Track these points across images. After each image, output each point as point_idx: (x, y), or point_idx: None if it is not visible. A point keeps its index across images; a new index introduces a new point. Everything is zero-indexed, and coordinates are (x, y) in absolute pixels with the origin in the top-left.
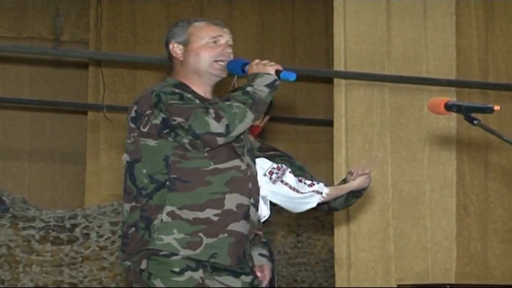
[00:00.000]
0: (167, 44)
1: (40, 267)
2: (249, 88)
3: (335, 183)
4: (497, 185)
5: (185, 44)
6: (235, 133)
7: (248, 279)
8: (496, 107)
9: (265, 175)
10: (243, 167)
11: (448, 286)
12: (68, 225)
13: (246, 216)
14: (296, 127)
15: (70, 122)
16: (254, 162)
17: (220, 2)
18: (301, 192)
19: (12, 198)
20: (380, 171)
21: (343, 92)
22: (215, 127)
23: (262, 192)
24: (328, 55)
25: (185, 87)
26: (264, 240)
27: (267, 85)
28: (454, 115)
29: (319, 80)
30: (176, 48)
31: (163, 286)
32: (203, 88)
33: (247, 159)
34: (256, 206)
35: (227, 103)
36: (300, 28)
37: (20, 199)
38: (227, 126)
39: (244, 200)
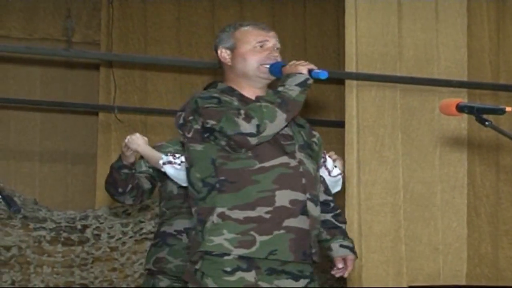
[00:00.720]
0: (216, 50)
1: (51, 268)
2: (280, 88)
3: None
4: (508, 187)
5: (232, 49)
6: (267, 132)
7: (304, 282)
8: (508, 109)
9: None
10: (293, 163)
11: None
12: (79, 226)
13: (304, 212)
14: None
15: (81, 123)
16: (312, 157)
17: (232, 3)
18: (333, 176)
19: (23, 199)
20: (391, 172)
21: (355, 93)
22: (245, 127)
23: None
24: (339, 56)
25: (231, 91)
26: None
27: (298, 84)
28: (465, 116)
29: (330, 81)
30: (224, 54)
31: (215, 285)
32: (253, 91)
33: (299, 155)
34: (314, 201)
35: (257, 103)
36: (311, 29)
37: (31, 200)
38: (258, 126)
39: (299, 196)
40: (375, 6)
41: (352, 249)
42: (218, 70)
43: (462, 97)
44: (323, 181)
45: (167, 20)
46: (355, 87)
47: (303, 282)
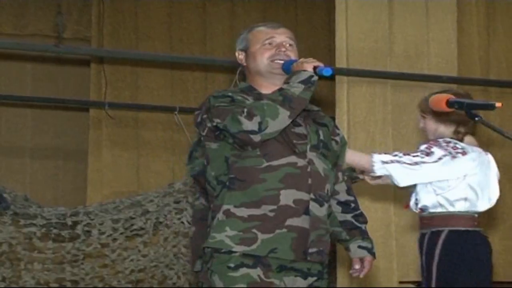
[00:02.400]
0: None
1: (41, 265)
2: (285, 86)
3: None
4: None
5: (245, 50)
6: (269, 130)
7: (311, 280)
8: (498, 104)
9: None
10: (301, 163)
11: None
12: (69, 223)
13: (307, 211)
14: None
15: (72, 119)
16: (327, 157)
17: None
18: None
19: (14, 195)
20: None
21: (345, 89)
22: (247, 125)
23: None
24: (330, 52)
25: (251, 90)
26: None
27: (301, 81)
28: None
29: (320, 77)
30: (239, 55)
31: (220, 282)
32: (271, 89)
33: (310, 155)
34: (319, 201)
35: (260, 102)
36: (302, 25)
37: (22, 197)
38: (260, 123)
39: (303, 196)
40: (365, 2)
41: (370, 250)
42: (209, 67)
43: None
44: (347, 181)
45: (158, 16)
46: (346, 83)
47: (310, 279)
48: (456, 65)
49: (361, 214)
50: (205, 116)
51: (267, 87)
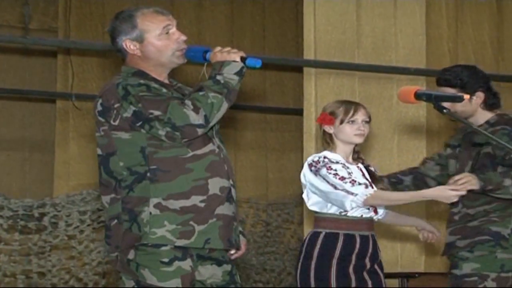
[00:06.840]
0: (114, 39)
1: (8, 256)
2: (219, 77)
3: None
4: None
5: (140, 40)
6: (212, 123)
7: (228, 267)
8: (466, 96)
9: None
10: (217, 150)
11: (417, 275)
12: (36, 214)
13: (229, 198)
14: (266, 116)
15: (39, 111)
16: (223, 142)
17: None
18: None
19: None
20: None
21: (313, 81)
22: (195, 118)
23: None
24: (298, 44)
25: (145, 75)
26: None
27: (236, 73)
28: (423, 103)
29: (289, 69)
30: (130, 45)
31: (152, 277)
32: (161, 76)
33: (217, 141)
34: (234, 186)
35: (201, 93)
36: (270, 17)
37: None
38: (205, 116)
39: (225, 183)
40: None
41: (244, 234)
42: None
43: (420, 85)
44: None
45: (125, 8)
46: (314, 74)
47: (226, 267)
48: (425, 57)
49: None
50: (117, 104)
51: (156, 73)
